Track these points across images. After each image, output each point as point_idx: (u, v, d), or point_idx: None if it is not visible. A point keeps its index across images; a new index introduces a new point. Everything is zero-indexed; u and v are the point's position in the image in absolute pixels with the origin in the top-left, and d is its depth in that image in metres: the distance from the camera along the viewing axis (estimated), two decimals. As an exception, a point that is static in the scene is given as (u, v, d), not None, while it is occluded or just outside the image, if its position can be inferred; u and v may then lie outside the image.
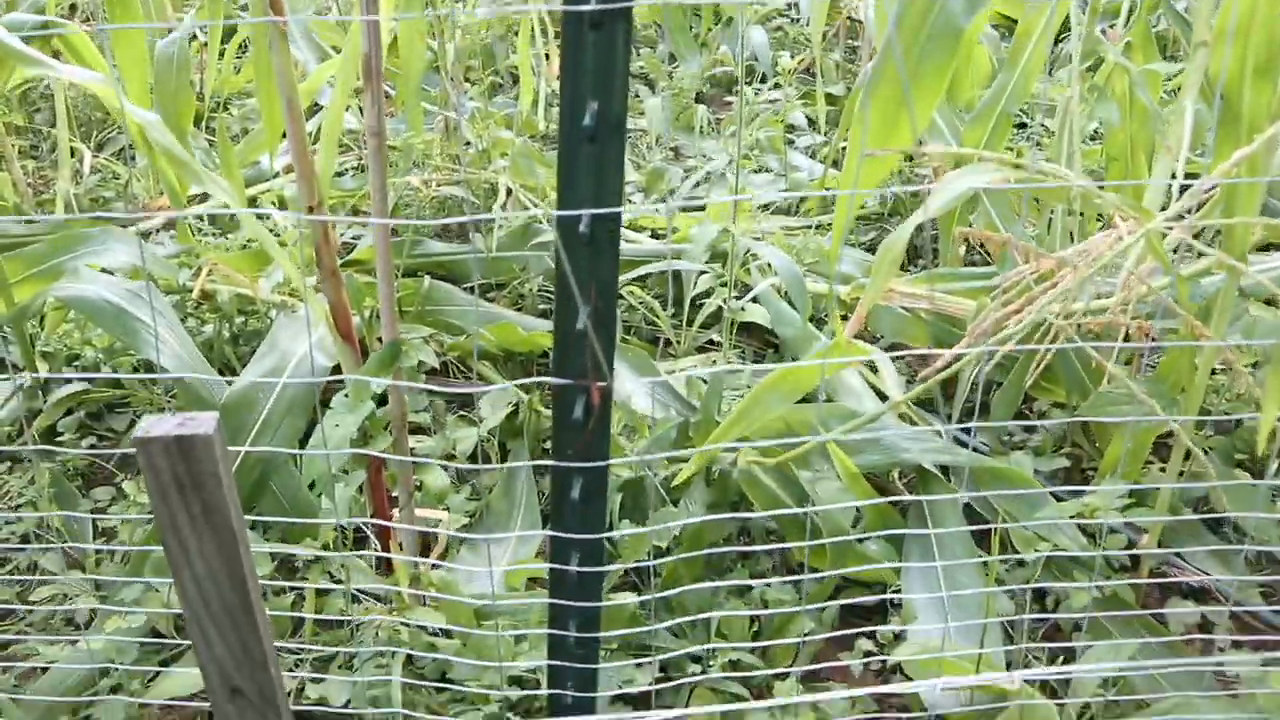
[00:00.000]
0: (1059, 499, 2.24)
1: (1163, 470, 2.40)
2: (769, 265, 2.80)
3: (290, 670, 1.99)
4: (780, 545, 2.19)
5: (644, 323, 3.06)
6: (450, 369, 2.89)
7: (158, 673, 2.04)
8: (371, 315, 2.69)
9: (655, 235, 3.43)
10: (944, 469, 2.36)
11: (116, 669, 2.03)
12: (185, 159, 2.09)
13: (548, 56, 4.34)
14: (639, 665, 1.86)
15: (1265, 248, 2.88)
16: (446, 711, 1.80)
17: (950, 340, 2.57)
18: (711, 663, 1.95)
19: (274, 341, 2.54)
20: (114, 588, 2.16)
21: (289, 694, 1.90)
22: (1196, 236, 2.07)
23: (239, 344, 2.88)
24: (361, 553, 2.02)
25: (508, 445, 2.58)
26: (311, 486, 2.31)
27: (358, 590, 1.97)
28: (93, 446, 2.74)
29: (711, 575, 2.12)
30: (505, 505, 2.38)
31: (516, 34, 4.24)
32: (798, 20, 5.36)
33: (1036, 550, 2.07)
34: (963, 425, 2.49)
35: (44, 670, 2.10)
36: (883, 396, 2.52)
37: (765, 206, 3.66)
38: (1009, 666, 2.01)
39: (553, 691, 1.51)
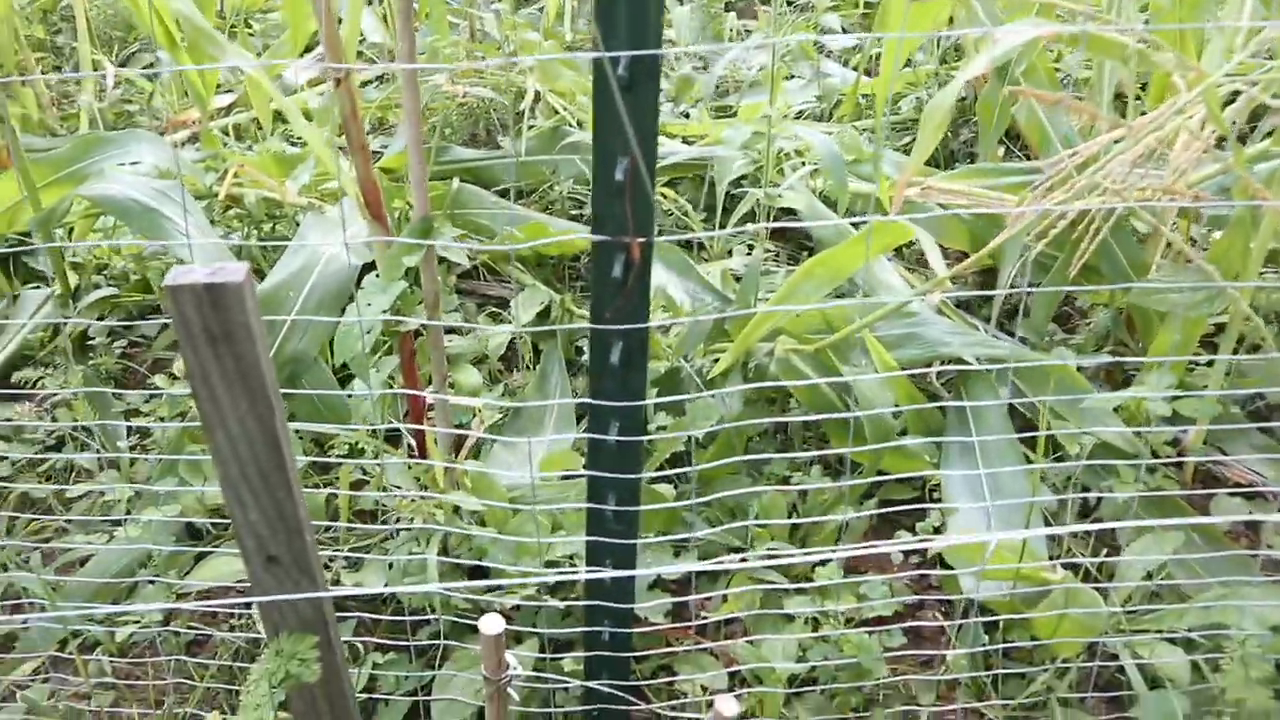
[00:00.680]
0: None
1: (1211, 365, 2.34)
2: (804, 161, 2.73)
3: (326, 567, 1.98)
4: (821, 451, 2.15)
5: (676, 227, 3.00)
6: (480, 273, 2.86)
7: (195, 564, 2.04)
8: (401, 216, 2.66)
9: (686, 142, 3.36)
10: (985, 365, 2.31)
11: (154, 559, 2.04)
12: (208, 30, 2.05)
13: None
14: (677, 553, 1.84)
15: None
16: (482, 597, 1.79)
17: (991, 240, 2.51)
18: (749, 552, 1.93)
19: (303, 240, 2.51)
20: (149, 482, 2.17)
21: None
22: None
23: (267, 250, 2.85)
24: (391, 458, 2.00)
25: (540, 346, 2.55)
26: (344, 384, 2.29)
27: (392, 486, 1.96)
28: (124, 352, 2.74)
29: (749, 469, 2.09)
30: (539, 398, 2.36)
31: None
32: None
33: (1079, 444, 2.02)
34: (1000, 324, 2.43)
35: (84, 562, 2.11)
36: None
37: (799, 115, 3.58)
38: (1051, 559, 1.97)
39: (591, 573, 1.49)
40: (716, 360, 2.13)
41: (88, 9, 3.82)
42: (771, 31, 2.74)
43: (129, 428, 2.45)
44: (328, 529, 2.09)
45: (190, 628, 1.94)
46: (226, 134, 3.51)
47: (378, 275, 1.69)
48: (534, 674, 1.60)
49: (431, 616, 1.71)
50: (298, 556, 1.33)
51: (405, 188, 2.62)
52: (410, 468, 2.00)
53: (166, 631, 1.95)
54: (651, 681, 1.72)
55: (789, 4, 4.47)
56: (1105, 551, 1.96)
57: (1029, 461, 2.08)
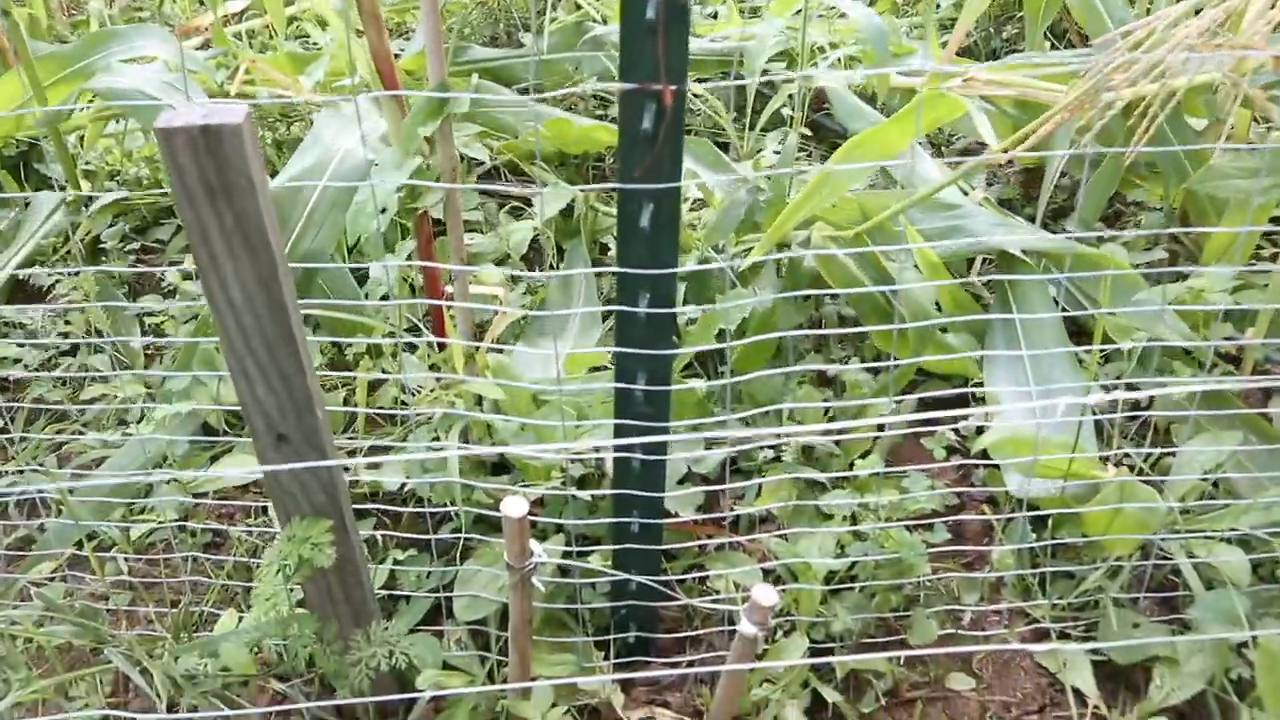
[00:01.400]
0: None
1: (1274, 259, 2.22)
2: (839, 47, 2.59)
3: (344, 469, 1.91)
4: (857, 329, 2.05)
5: (704, 127, 2.88)
6: (502, 173, 2.76)
7: (212, 463, 1.98)
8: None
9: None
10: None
11: (170, 459, 1.99)
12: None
13: None
14: (709, 446, 1.76)
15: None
16: (505, 493, 1.72)
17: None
18: (784, 450, 1.84)
19: (317, 136, 2.41)
20: (163, 381, 2.11)
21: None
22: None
23: (281, 150, 2.76)
24: (409, 346, 1.92)
25: (564, 246, 2.46)
26: (362, 284, 2.21)
27: (410, 381, 1.88)
28: (137, 258, 2.66)
29: (783, 364, 2.00)
30: (563, 302, 2.27)
31: None
32: None
33: (1132, 338, 1.92)
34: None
35: (99, 464, 2.06)
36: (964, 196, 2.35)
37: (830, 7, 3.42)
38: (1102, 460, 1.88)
39: (620, 454, 1.41)
40: (750, 250, 2.03)
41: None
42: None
43: (143, 329, 2.39)
44: (346, 429, 2.02)
45: (206, 528, 1.89)
46: (239, 39, 3.40)
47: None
48: (561, 563, 1.53)
49: (452, 509, 1.64)
50: (309, 435, 1.25)
51: (423, 83, 2.51)
52: (428, 357, 1.92)
53: (183, 532, 1.90)
54: (683, 577, 1.65)
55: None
56: (1158, 455, 1.86)
57: (1078, 360, 1.97)
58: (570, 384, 1.83)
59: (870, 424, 1.81)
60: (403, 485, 1.74)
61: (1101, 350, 2.01)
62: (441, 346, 1.88)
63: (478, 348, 1.74)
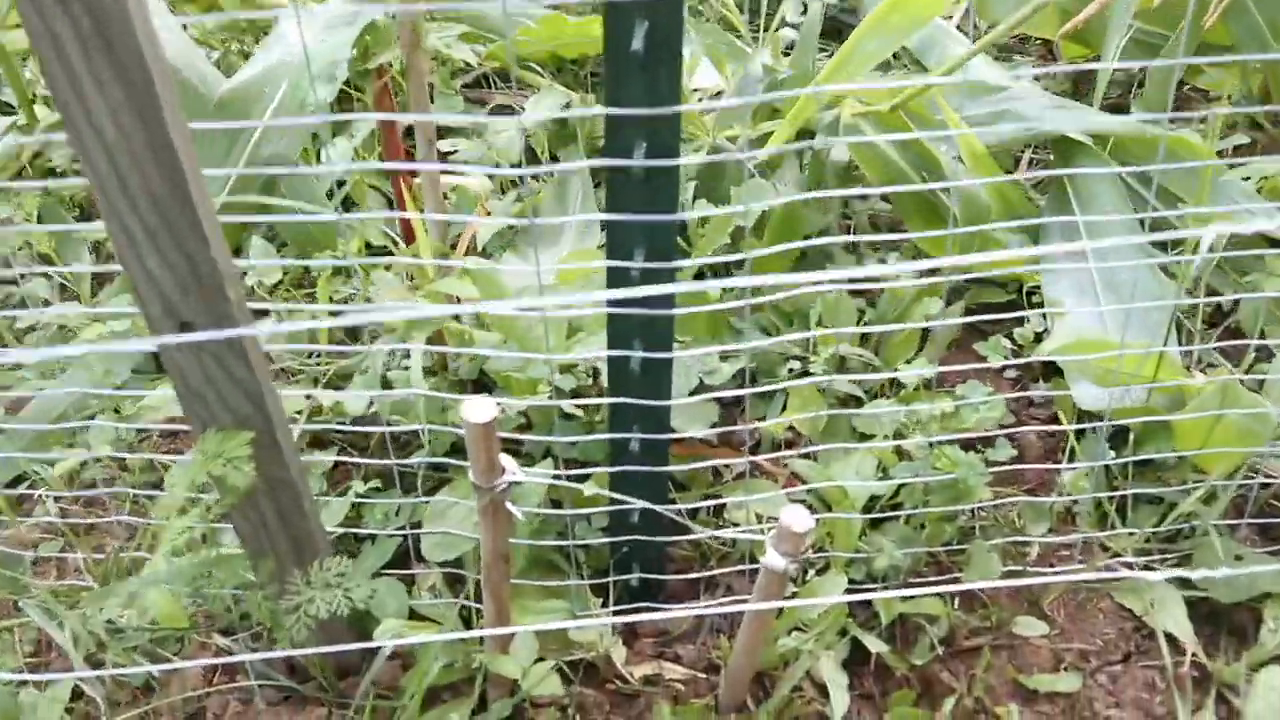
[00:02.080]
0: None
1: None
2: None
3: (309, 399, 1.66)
4: (896, 237, 1.78)
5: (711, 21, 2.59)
6: (490, 80, 2.48)
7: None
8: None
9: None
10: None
11: (104, 399, 1.74)
12: None
13: None
14: (725, 358, 1.49)
15: None
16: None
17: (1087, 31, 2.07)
18: (813, 363, 1.58)
19: (280, 33, 2.14)
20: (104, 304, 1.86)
21: (300, 414, 1.58)
22: None
23: (245, 45, 2.49)
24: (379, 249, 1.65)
25: (558, 154, 2.19)
26: (332, 197, 1.95)
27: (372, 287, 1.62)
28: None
29: (809, 270, 1.73)
30: (556, 211, 2.00)
31: None
32: None
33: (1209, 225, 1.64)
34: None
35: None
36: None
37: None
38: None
39: (614, 355, 1.15)
40: (770, 136, 1.76)
41: None
42: None
43: (97, 256, 2.14)
44: (311, 355, 1.77)
45: (140, 467, 1.64)
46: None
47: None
48: (538, 479, 1.27)
49: (419, 427, 1.38)
50: (221, 318, 0.99)
51: None
52: (402, 279, 1.66)
53: (122, 471, 1.65)
54: (696, 505, 1.39)
55: None
56: (1252, 361, 1.59)
57: (1151, 257, 1.70)
58: (558, 293, 1.56)
59: (913, 327, 1.55)
60: (369, 405, 1.49)
61: (1177, 246, 1.74)
62: (409, 240, 1.60)
63: (452, 250, 1.48)
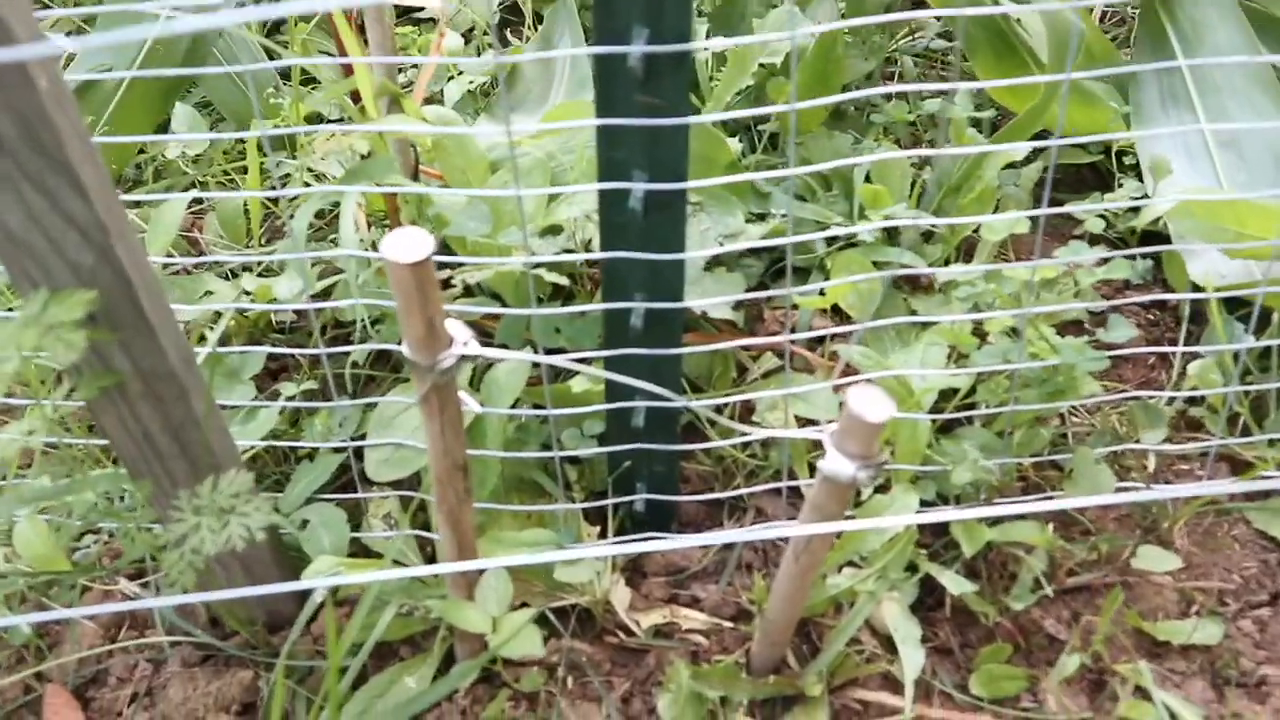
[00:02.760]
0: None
1: None
2: None
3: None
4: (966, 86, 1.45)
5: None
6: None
7: None
8: None
9: None
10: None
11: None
12: None
13: None
14: (751, 219, 1.18)
15: None
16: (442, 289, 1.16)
17: None
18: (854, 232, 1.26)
19: None
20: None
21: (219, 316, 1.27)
22: None
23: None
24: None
25: (542, 11, 1.85)
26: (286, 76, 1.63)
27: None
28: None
29: (844, 125, 1.42)
30: (540, 76, 1.67)
31: None
32: None
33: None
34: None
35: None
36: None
37: None
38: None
39: (607, 190, 0.84)
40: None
41: None
42: None
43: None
44: (248, 239, 1.46)
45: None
46: None
47: None
48: (491, 354, 0.97)
49: (354, 304, 1.07)
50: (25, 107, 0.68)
51: None
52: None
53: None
54: (717, 402, 1.09)
55: None
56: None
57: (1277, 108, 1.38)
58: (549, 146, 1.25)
59: (983, 189, 1.23)
60: (301, 293, 1.18)
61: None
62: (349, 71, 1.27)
63: (388, 86, 1.16)
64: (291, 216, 1.31)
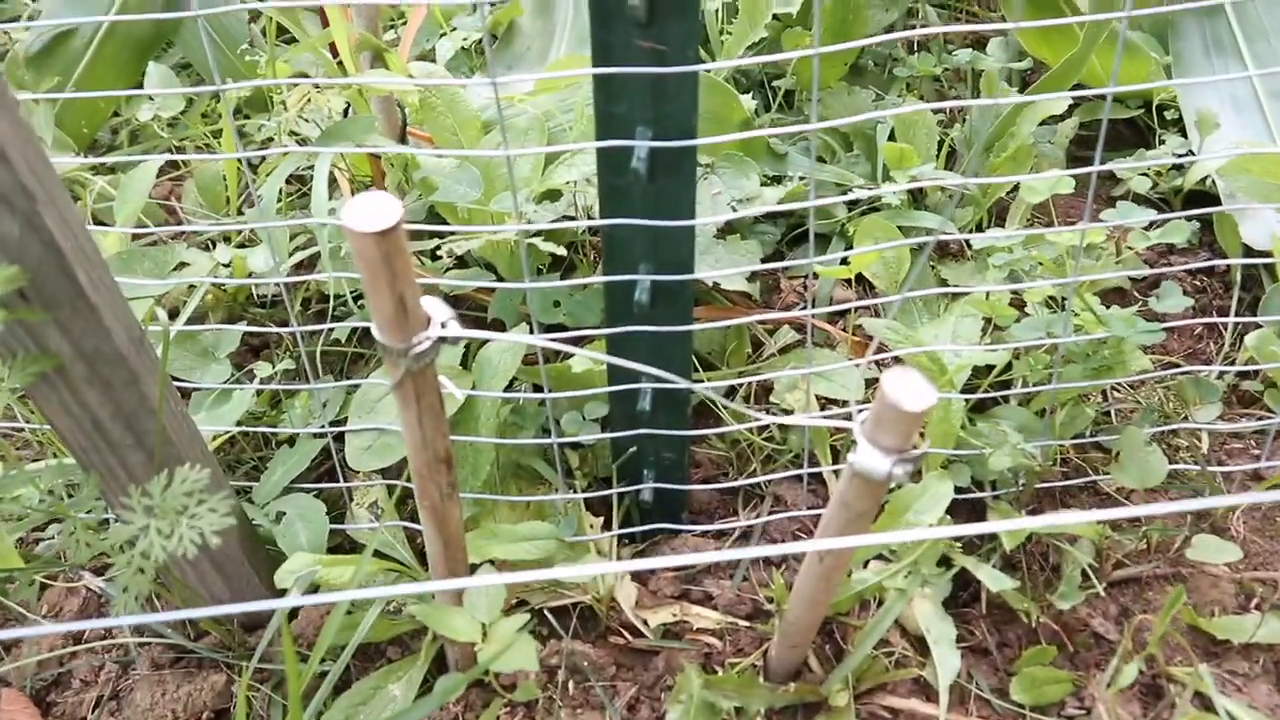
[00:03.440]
0: None
1: None
2: None
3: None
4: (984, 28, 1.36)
5: None
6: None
7: None
8: None
9: None
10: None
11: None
12: None
13: None
14: (767, 182, 1.08)
15: None
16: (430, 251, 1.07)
17: None
18: (874, 190, 1.17)
19: None
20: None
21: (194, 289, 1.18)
22: None
23: None
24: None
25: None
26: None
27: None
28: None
29: (864, 80, 1.32)
30: (540, 29, 1.57)
31: None
32: None
33: None
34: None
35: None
36: None
37: None
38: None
39: (604, 149, 0.75)
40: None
41: None
42: None
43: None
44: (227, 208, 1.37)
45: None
46: None
47: None
48: (478, 334, 0.88)
49: (323, 276, 0.99)
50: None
51: None
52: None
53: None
54: (732, 382, 1.00)
55: None
56: None
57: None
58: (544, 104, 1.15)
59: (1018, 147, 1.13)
60: (277, 265, 1.08)
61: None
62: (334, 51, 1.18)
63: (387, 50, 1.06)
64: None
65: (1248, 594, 0.92)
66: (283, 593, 0.90)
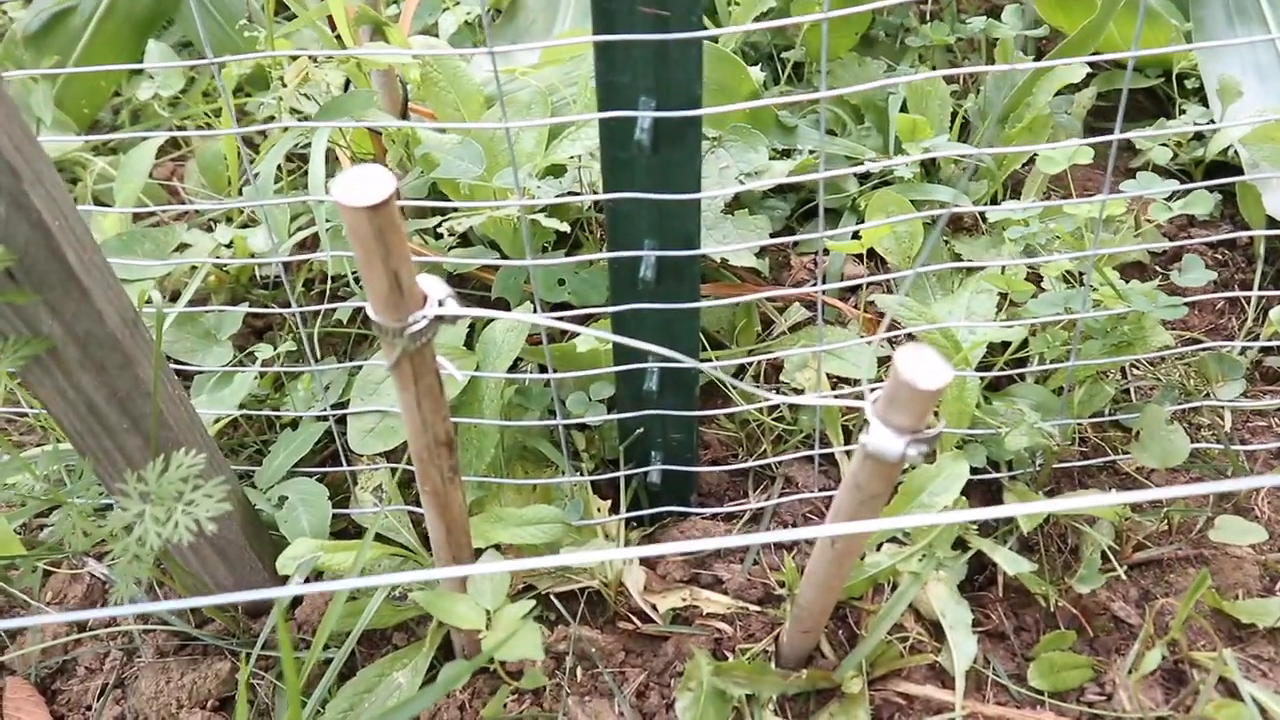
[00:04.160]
0: None
1: None
2: None
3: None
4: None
5: None
6: None
7: None
8: None
9: None
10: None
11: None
12: None
13: None
14: (776, 155, 1.06)
15: None
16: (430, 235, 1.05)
17: None
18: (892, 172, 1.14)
19: None
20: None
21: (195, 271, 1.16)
22: None
23: None
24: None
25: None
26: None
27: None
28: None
29: (875, 50, 1.29)
30: (545, 2, 1.54)
31: None
32: None
33: None
34: None
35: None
36: None
37: None
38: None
39: (608, 120, 0.72)
40: None
41: None
42: None
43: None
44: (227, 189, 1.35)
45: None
46: None
47: None
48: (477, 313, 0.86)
49: (323, 256, 0.96)
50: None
51: None
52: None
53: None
54: (738, 361, 0.98)
55: None
56: None
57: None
58: (549, 78, 1.12)
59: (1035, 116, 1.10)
60: (278, 245, 1.07)
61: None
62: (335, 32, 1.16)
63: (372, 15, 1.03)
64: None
65: (1273, 576, 0.89)
66: (285, 579, 0.88)
